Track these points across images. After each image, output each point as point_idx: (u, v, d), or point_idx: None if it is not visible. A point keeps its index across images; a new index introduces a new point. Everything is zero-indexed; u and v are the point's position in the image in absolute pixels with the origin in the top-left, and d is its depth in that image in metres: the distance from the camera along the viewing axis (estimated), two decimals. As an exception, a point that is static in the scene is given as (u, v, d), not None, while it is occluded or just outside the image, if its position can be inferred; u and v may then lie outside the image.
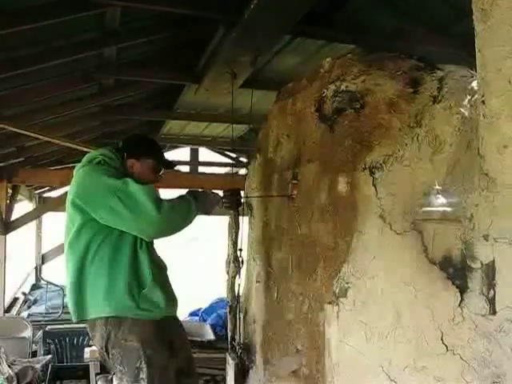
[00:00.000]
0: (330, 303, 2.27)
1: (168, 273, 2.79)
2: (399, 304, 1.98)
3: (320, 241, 2.41)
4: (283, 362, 2.75)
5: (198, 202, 2.64)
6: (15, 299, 9.05)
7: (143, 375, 2.46)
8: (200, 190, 2.78)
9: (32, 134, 5.05)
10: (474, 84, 2.06)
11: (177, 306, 2.77)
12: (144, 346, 2.49)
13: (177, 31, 3.92)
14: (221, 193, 2.93)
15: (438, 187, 1.97)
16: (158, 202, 2.44)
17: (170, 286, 2.75)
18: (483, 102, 1.65)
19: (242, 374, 3.14)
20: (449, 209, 1.92)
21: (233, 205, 3.01)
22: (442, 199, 1.95)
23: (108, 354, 2.54)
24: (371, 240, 2.10)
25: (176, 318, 2.81)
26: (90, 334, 2.65)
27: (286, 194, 2.76)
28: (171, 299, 2.70)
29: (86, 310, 2.55)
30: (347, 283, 2.17)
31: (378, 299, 2.05)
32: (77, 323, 2.76)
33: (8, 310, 8.44)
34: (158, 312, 2.59)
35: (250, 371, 3.17)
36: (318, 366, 2.40)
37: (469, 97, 2.07)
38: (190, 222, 2.63)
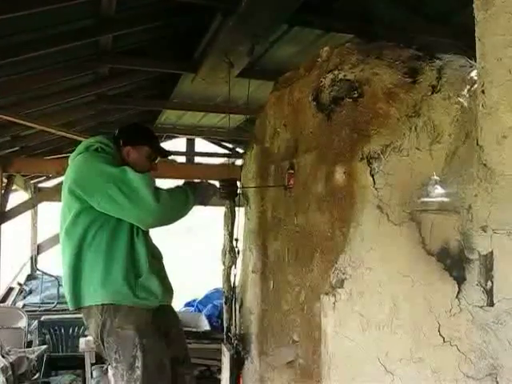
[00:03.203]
0: (326, 294, 2.26)
1: (164, 262, 2.79)
2: (396, 295, 1.97)
3: (317, 231, 2.39)
4: (279, 352, 2.74)
5: (195, 192, 2.64)
6: (10, 289, 9.02)
7: (138, 363, 2.46)
8: (197, 180, 2.79)
9: (26, 123, 5.01)
10: (474, 74, 2.04)
11: (172, 295, 2.77)
12: (140, 335, 2.49)
13: (174, 19, 3.88)
14: (217, 183, 2.92)
15: (436, 177, 1.95)
16: (156, 191, 2.44)
17: (166, 275, 2.75)
18: (483, 91, 1.64)
19: (237, 364, 3.13)
20: (447, 199, 1.91)
21: (229, 195, 3.00)
22: (440, 190, 1.94)
23: (103, 342, 2.54)
24: (368, 230, 2.08)
25: (171, 308, 2.81)
26: (86, 322, 2.64)
27: (282, 184, 2.74)
28: (167, 288, 2.70)
29: (82, 297, 2.55)
30: (344, 274, 2.15)
31: (374, 290, 2.03)
32: (72, 313, 2.76)
33: (3, 299, 8.42)
34: (154, 300, 2.59)
35: (246, 362, 3.16)
36: (314, 356, 2.39)
37: (468, 87, 2.06)
38: (188, 211, 2.63)
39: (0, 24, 3.06)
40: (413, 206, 1.98)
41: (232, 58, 3.84)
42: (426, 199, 1.96)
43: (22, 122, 5.02)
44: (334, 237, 2.25)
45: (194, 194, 2.62)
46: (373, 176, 2.09)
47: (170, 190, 2.55)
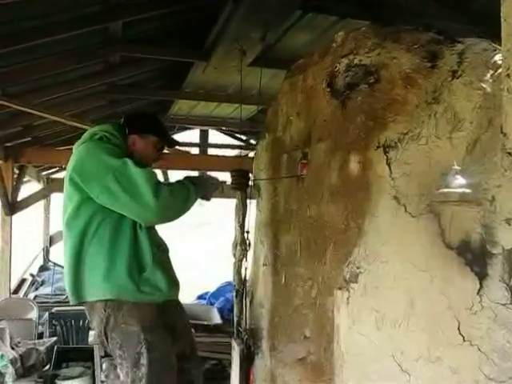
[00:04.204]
0: (339, 288, 2.17)
1: (169, 255, 2.70)
2: (413, 290, 1.87)
3: (330, 223, 2.30)
4: (290, 348, 2.66)
5: (197, 187, 2.54)
6: (23, 280, 9.05)
7: (143, 361, 2.37)
8: (199, 175, 2.69)
9: (36, 112, 4.95)
10: (497, 57, 1.93)
11: (178, 289, 2.68)
12: (144, 331, 2.40)
13: (184, 6, 3.79)
14: (226, 175, 2.84)
15: (456, 167, 1.84)
16: (157, 186, 2.33)
17: (172, 268, 2.66)
18: (508, 75, 1.52)
19: (247, 360, 3.05)
20: (468, 190, 1.80)
21: (240, 186, 2.92)
22: (460, 180, 1.83)
23: (107, 337, 2.45)
24: (384, 222, 1.99)
25: (178, 301, 2.72)
26: (89, 317, 2.57)
27: (295, 174, 2.65)
28: (173, 282, 2.61)
29: (85, 292, 2.46)
30: (358, 268, 2.06)
31: (390, 285, 1.94)
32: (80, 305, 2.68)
33: (16, 291, 8.45)
34: (160, 295, 2.50)
35: (256, 357, 3.08)
36: (327, 353, 2.30)
37: (491, 71, 1.94)
38: (189, 207, 2.52)
39: (5, 10, 2.98)
40: (431, 196, 1.88)
41: (244, 46, 3.74)
42: (445, 190, 1.86)
43: (31, 110, 4.96)
44: (348, 229, 2.16)
45: (195, 189, 2.52)
46: (389, 165, 2.00)
47: (170, 186, 2.44)
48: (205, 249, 18.62)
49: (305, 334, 2.54)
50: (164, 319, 2.52)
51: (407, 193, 1.94)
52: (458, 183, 1.83)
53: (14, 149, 6.54)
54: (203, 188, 2.61)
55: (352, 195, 2.15)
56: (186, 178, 2.60)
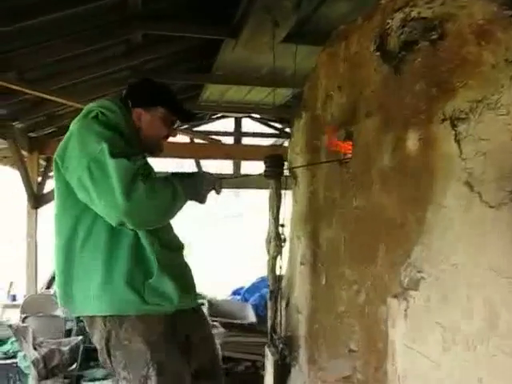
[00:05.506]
0: (395, 296, 1.78)
1: (183, 253, 2.29)
2: (494, 303, 1.45)
3: (382, 216, 1.89)
4: (333, 364, 2.27)
5: (186, 187, 2.09)
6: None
7: None
8: (191, 171, 2.24)
9: (56, 99, 4.64)
10: None
11: (194, 295, 2.28)
12: (152, 349, 2.02)
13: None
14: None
15: (550, 142, 1.42)
16: (131, 183, 1.86)
17: (185, 270, 2.26)
18: None
19: (282, 372, 2.67)
20: None
21: (273, 174, 2.55)
22: (556, 159, 1.41)
23: (110, 356, 2.07)
24: (454, 215, 1.57)
25: (195, 309, 2.32)
26: (88, 331, 2.18)
27: (337, 158, 2.25)
28: (186, 288, 2.19)
29: (80, 305, 2.08)
30: (420, 272, 1.66)
31: (462, 295, 1.53)
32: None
33: (49, 285, 8.32)
34: (169, 305, 2.09)
35: (293, 370, 2.70)
36: (378, 373, 1.91)
37: None
38: (174, 212, 2.06)
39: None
40: (516, 181, 1.46)
41: (277, 17, 3.34)
42: (535, 172, 1.44)
43: (53, 98, 4.67)
44: (405, 223, 1.75)
45: (184, 189, 2.06)
46: (459, 142, 1.58)
47: (151, 184, 1.93)
48: (237, 242, 18.33)
49: (350, 347, 2.14)
50: (175, 333, 2.13)
51: (483, 177, 1.52)
52: (554, 163, 1.42)
53: (39, 140, 6.33)
54: (195, 188, 2.16)
55: (410, 181, 1.75)
56: (175, 174, 2.15)
